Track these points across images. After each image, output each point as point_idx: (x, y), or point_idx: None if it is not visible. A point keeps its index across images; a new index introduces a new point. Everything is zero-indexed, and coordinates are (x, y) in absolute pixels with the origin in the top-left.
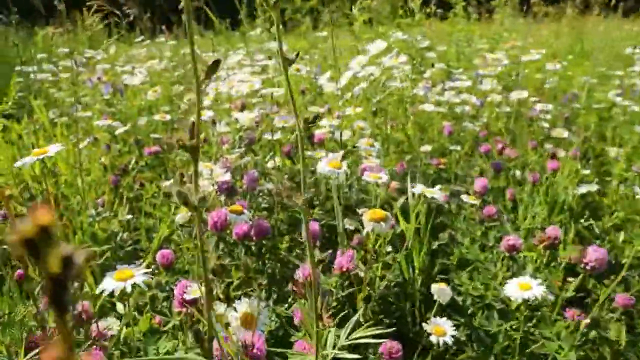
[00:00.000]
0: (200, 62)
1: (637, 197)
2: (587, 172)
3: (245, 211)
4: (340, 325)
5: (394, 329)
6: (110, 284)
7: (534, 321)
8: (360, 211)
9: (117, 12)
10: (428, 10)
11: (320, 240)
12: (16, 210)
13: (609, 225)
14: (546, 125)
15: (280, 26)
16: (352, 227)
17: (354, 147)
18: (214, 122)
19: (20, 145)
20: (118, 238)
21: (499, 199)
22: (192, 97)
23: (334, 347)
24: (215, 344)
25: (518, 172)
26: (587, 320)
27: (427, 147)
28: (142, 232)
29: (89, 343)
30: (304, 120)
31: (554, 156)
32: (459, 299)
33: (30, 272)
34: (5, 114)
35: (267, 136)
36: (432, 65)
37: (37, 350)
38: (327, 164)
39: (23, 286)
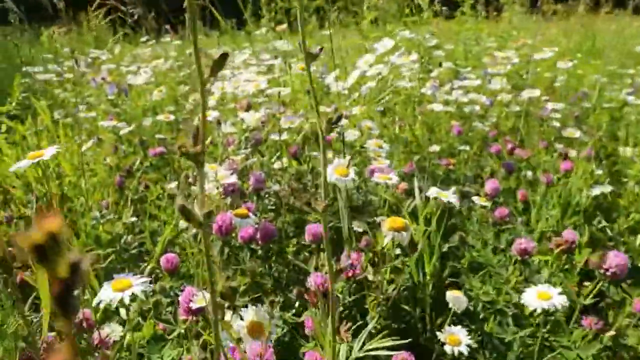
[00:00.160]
0: (205, 57)
1: None
2: (599, 172)
3: (251, 215)
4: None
5: (409, 340)
6: (107, 294)
7: (548, 327)
8: (378, 219)
9: (121, 8)
10: (435, 8)
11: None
12: (20, 211)
13: (624, 227)
14: (557, 124)
15: (286, 25)
16: (360, 229)
17: (362, 147)
18: (219, 123)
19: (24, 146)
20: (122, 241)
21: (510, 201)
22: (197, 97)
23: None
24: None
25: (529, 173)
26: (612, 332)
27: (435, 147)
28: (146, 234)
29: (91, 351)
30: (327, 121)
31: (566, 157)
32: (470, 304)
33: (27, 279)
34: (10, 115)
35: (274, 137)
36: (440, 64)
37: None
38: (334, 171)
39: (24, 292)
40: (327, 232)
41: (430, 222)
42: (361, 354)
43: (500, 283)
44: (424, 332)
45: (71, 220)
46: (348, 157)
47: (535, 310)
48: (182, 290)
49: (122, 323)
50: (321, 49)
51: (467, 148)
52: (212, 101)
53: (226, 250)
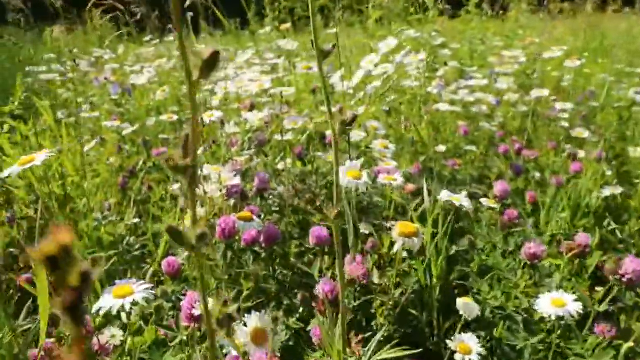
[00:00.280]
0: (194, 56)
1: None
2: (609, 173)
3: (255, 218)
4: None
5: (420, 350)
6: (108, 301)
7: (559, 332)
8: (389, 224)
9: (119, 7)
10: (439, 7)
11: (329, 245)
12: (23, 212)
13: (635, 229)
14: (566, 124)
15: (290, 24)
16: (367, 232)
17: (367, 147)
18: (222, 123)
19: (27, 146)
20: (125, 242)
21: (519, 202)
22: (200, 97)
23: None
24: None
25: (537, 174)
26: (631, 344)
27: (441, 148)
28: (149, 236)
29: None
30: (341, 122)
31: (575, 157)
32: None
33: (25, 286)
34: (14, 115)
35: (277, 137)
36: (445, 64)
37: None
38: (346, 173)
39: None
40: (340, 242)
41: (437, 224)
42: None
43: (509, 287)
44: (432, 336)
45: (73, 222)
46: (361, 159)
47: (544, 316)
48: (184, 295)
49: (124, 327)
50: (334, 46)
51: (474, 148)
52: (215, 101)
53: (229, 254)
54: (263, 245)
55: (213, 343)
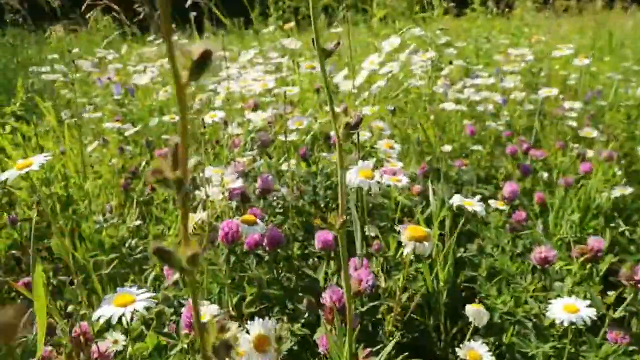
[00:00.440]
0: (183, 57)
1: None
2: (619, 173)
3: (259, 222)
4: (360, 339)
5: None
6: (108, 310)
7: (570, 337)
8: (398, 228)
9: (115, 7)
10: (445, 5)
11: (335, 250)
12: (25, 214)
13: None
14: (574, 124)
15: (294, 23)
16: (372, 234)
17: (372, 148)
18: (226, 123)
19: (29, 147)
20: (127, 245)
21: (527, 203)
22: (204, 97)
23: None
24: None
25: (546, 175)
26: None
27: (448, 148)
28: (150, 239)
29: None
30: (345, 125)
31: (584, 158)
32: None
33: (21, 290)
34: (18, 116)
35: (281, 138)
36: (451, 63)
37: None
38: (358, 173)
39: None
40: (346, 254)
41: (444, 226)
42: None
43: (519, 292)
44: (439, 342)
45: (76, 224)
46: (373, 159)
47: (555, 322)
48: (186, 299)
49: (126, 332)
50: (338, 44)
51: (480, 148)
52: (218, 101)
53: (232, 258)
54: (267, 248)
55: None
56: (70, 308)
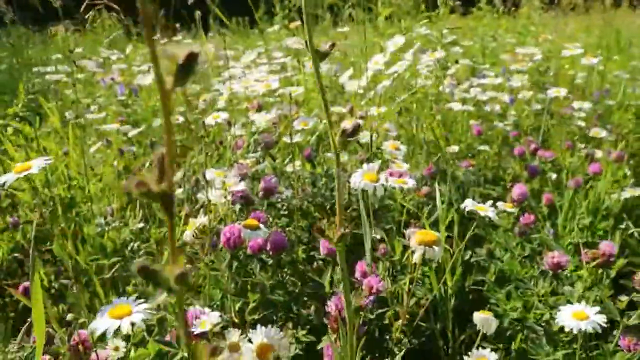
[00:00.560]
0: (167, 60)
1: None
2: (627, 173)
3: (262, 226)
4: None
5: None
6: (103, 322)
7: (580, 342)
8: (406, 232)
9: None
10: (451, 3)
11: None
12: (27, 216)
13: None
14: (582, 124)
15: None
16: (378, 236)
17: (378, 149)
18: (229, 124)
19: (31, 149)
20: (129, 248)
21: (534, 204)
22: (208, 97)
23: None
24: None
25: (554, 175)
26: None
27: (454, 148)
28: (152, 242)
29: None
30: (341, 132)
31: (592, 158)
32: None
33: (20, 297)
34: (21, 116)
35: (285, 139)
36: (456, 62)
37: None
38: (363, 176)
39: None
40: (346, 270)
41: (451, 229)
42: None
43: (528, 296)
44: (447, 347)
45: (78, 226)
46: (379, 161)
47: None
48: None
49: (126, 338)
50: (332, 45)
51: (487, 148)
52: (221, 102)
53: (235, 263)
54: (270, 253)
55: None
56: (69, 316)
